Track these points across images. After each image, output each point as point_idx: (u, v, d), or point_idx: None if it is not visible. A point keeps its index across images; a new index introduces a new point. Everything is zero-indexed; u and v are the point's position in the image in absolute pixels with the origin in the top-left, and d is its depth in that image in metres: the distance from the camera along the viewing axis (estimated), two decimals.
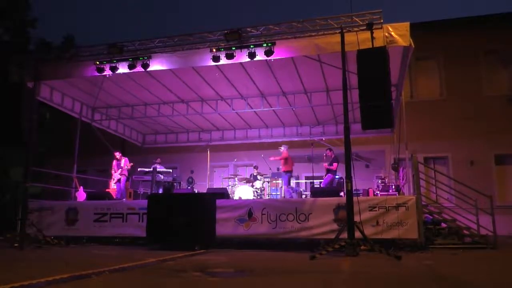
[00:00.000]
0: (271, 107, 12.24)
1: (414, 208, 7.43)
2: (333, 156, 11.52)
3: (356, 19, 7.44)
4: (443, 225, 8.36)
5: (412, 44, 7.55)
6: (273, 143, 14.71)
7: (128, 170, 11.78)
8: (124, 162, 11.73)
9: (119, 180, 11.64)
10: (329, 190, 9.60)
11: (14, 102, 8.54)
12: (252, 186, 11.41)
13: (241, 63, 9.07)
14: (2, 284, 3.59)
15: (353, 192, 6.68)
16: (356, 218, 6.59)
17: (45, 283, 3.68)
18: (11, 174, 15.68)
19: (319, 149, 12.67)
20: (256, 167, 12.56)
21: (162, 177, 11.97)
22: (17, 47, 17.37)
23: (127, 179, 11.95)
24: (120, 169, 11.64)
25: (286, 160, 11.94)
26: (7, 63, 9.34)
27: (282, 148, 12.22)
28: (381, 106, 6.68)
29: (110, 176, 12.31)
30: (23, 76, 9.11)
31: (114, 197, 11.20)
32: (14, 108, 8.50)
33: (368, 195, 10.25)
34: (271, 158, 12.33)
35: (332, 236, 6.80)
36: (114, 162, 11.91)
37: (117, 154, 11.94)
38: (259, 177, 11.95)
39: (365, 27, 7.30)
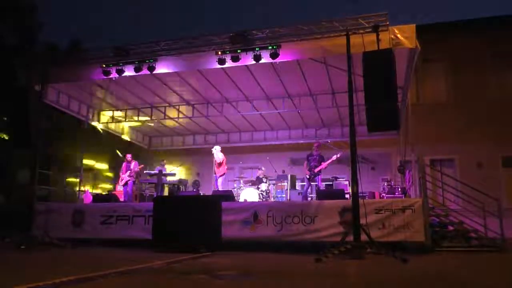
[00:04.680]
0: (277, 110, 12.25)
1: (420, 210, 7.38)
2: (319, 151, 11.16)
3: (362, 21, 7.41)
4: (450, 227, 8.29)
5: (418, 46, 7.51)
6: (278, 146, 14.73)
7: (136, 173, 11.81)
8: (134, 165, 11.77)
9: (126, 183, 11.67)
10: (335, 193, 9.56)
11: (22, 105, 8.61)
12: (258, 188, 11.40)
13: (246, 65, 9.09)
14: (7, 286, 3.61)
15: (359, 194, 6.66)
16: (362, 221, 6.55)
17: (52, 286, 3.69)
18: (19, 176, 15.80)
19: (324, 152, 12.63)
20: (261, 169, 12.56)
21: (167, 179, 12.01)
22: (24, 51, 17.52)
23: (134, 183, 11.98)
24: (129, 172, 11.68)
25: (220, 163, 11.94)
26: (15, 66, 9.43)
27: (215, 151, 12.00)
28: (387, 108, 6.65)
29: (117, 178, 12.36)
30: (31, 79, 9.19)
31: (121, 199, 11.25)
32: (21, 111, 8.57)
33: (374, 197, 10.21)
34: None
35: (338, 238, 6.76)
36: (124, 164, 11.95)
37: (128, 157, 11.99)
38: (264, 179, 11.94)
39: (371, 29, 7.27)
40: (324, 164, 10.82)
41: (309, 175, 10.94)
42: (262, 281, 4.33)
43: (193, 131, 14.96)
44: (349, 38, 7.27)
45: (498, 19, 14.40)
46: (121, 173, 11.95)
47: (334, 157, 10.85)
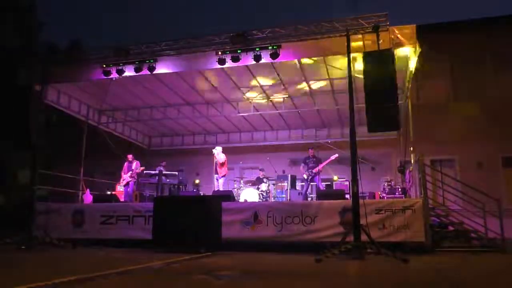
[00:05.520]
0: (277, 110, 12.24)
1: (420, 211, 7.38)
2: (314, 154, 11.37)
3: (362, 22, 7.42)
4: (450, 228, 8.29)
5: (419, 46, 7.52)
6: (278, 146, 14.72)
7: (138, 174, 11.78)
8: (136, 165, 11.75)
9: (127, 183, 11.65)
10: (335, 193, 9.55)
11: (22, 105, 8.60)
12: (258, 188, 11.39)
13: (246, 65, 9.09)
14: (7, 286, 3.61)
15: (359, 194, 6.65)
16: (362, 221, 6.55)
17: (52, 286, 3.69)
18: (19, 176, 15.79)
19: (324, 152, 12.63)
20: (261, 170, 12.55)
21: (168, 180, 11.99)
22: (25, 51, 17.52)
23: (135, 183, 11.95)
24: (131, 172, 11.66)
25: (222, 164, 11.88)
26: (16, 66, 9.43)
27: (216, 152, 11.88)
28: (387, 109, 6.65)
29: (117, 179, 12.33)
30: (31, 79, 9.19)
31: (122, 200, 11.24)
32: (21, 111, 8.56)
33: (374, 198, 10.20)
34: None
35: (338, 239, 6.75)
36: (126, 164, 11.91)
37: (130, 157, 11.95)
38: (264, 179, 11.93)
39: (371, 30, 7.28)
40: (321, 165, 11.06)
41: (307, 176, 11.10)
42: (262, 281, 4.33)
43: (193, 131, 14.95)
44: (349, 38, 7.26)
45: (498, 19, 14.39)
46: (122, 173, 11.91)
47: (333, 157, 11.09)
